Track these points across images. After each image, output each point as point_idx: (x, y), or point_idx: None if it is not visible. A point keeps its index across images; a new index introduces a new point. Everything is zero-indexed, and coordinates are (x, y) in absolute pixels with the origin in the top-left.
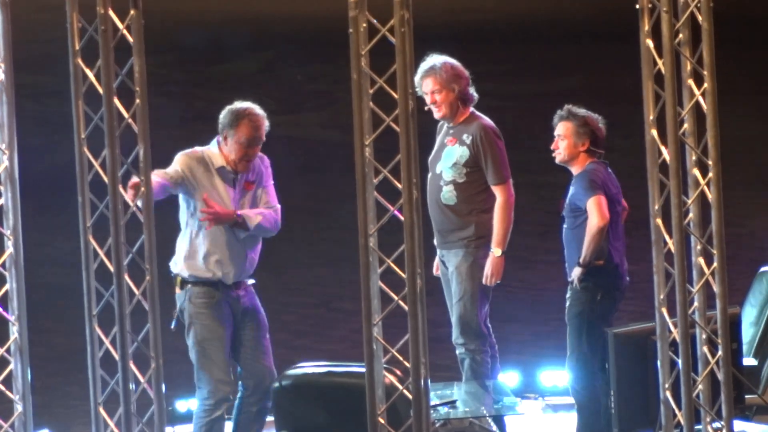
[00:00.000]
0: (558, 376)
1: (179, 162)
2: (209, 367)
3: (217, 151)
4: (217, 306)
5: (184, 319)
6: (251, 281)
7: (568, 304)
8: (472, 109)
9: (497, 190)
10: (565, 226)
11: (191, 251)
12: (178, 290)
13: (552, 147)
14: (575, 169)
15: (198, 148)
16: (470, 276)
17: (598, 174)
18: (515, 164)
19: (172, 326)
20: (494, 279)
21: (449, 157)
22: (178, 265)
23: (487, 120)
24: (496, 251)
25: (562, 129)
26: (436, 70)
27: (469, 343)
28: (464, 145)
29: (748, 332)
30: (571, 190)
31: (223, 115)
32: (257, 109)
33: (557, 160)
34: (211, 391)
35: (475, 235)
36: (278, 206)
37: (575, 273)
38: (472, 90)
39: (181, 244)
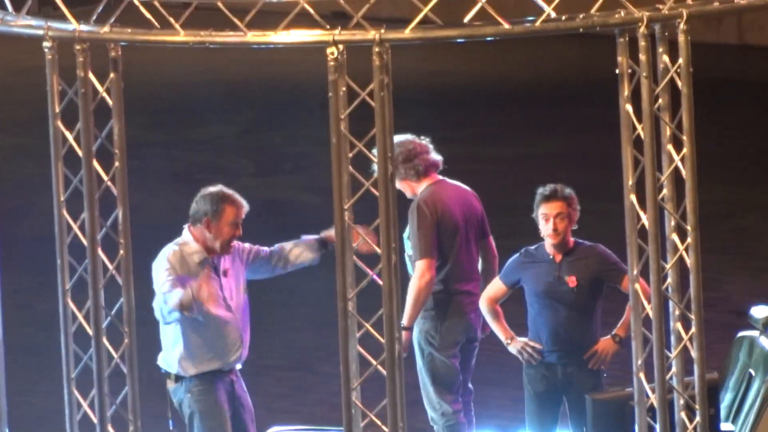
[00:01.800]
0: None
1: (173, 273)
2: None
3: (193, 243)
4: (216, 392)
5: (182, 413)
6: (239, 365)
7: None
8: (436, 178)
9: (416, 265)
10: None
11: (190, 348)
12: (171, 384)
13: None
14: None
15: (171, 249)
16: (418, 349)
17: None
18: (498, 228)
19: (171, 427)
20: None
21: (406, 231)
22: (172, 365)
23: (436, 192)
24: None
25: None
26: None
27: (431, 412)
28: None
29: (726, 397)
30: (595, 266)
31: (202, 203)
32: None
33: (556, 242)
34: None
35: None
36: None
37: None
38: (417, 159)
39: (173, 342)
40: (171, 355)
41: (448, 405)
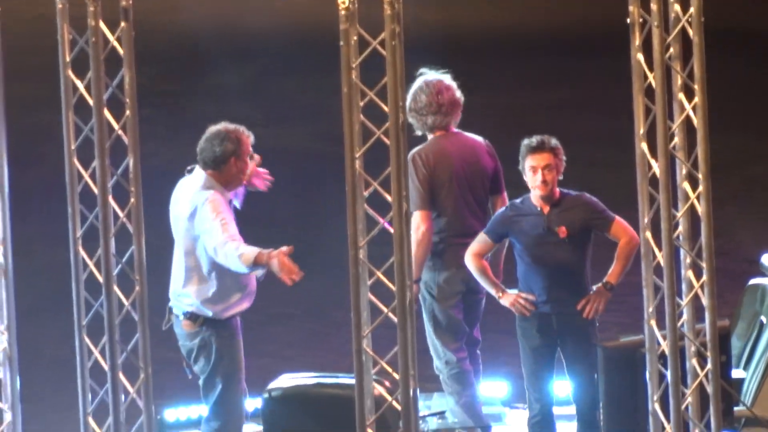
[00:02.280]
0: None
1: (226, 211)
2: (234, 402)
3: (219, 186)
4: (239, 335)
5: (200, 356)
6: None
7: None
8: (449, 132)
9: (411, 219)
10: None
11: (225, 291)
12: (192, 327)
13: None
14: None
15: (215, 196)
16: (421, 300)
17: None
18: (506, 178)
19: (190, 375)
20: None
21: None
22: (199, 307)
23: (437, 143)
24: None
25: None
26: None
27: (436, 361)
28: None
29: (737, 344)
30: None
31: (225, 143)
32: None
33: (544, 194)
34: (227, 427)
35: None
36: None
37: (603, 299)
38: (441, 117)
39: (203, 284)
40: (197, 298)
41: (451, 353)
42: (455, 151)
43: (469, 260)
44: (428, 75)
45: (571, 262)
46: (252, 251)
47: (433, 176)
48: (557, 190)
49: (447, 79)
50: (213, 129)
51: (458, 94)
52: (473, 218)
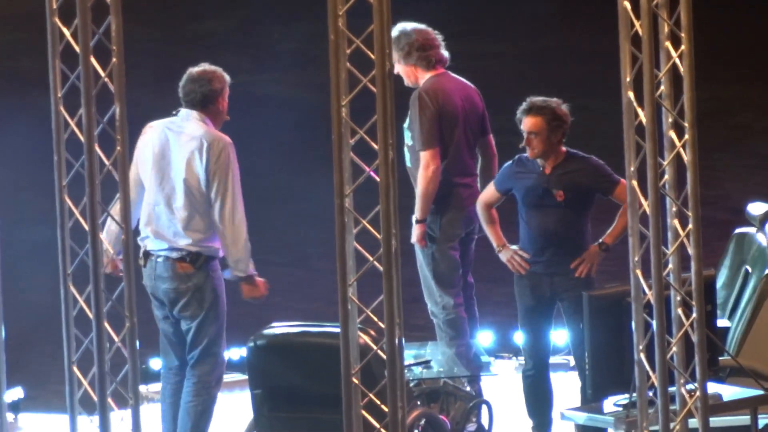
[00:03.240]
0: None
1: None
2: (221, 346)
3: (213, 126)
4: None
5: (192, 300)
6: None
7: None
8: (442, 70)
9: (420, 156)
10: (565, 212)
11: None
12: (189, 269)
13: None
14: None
15: (226, 140)
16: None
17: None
18: (493, 126)
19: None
20: (418, 244)
21: (406, 120)
22: (205, 245)
23: (438, 82)
24: (412, 219)
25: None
26: (394, 41)
27: (433, 307)
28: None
29: (722, 294)
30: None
31: (213, 82)
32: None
33: (533, 157)
34: (216, 372)
35: None
36: None
37: (597, 259)
38: (432, 50)
39: (207, 221)
40: (205, 234)
41: (450, 298)
42: (456, 90)
43: (479, 208)
44: (403, 24)
45: (568, 225)
46: (251, 266)
47: (441, 114)
48: (563, 149)
49: None
50: (195, 70)
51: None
52: (471, 158)
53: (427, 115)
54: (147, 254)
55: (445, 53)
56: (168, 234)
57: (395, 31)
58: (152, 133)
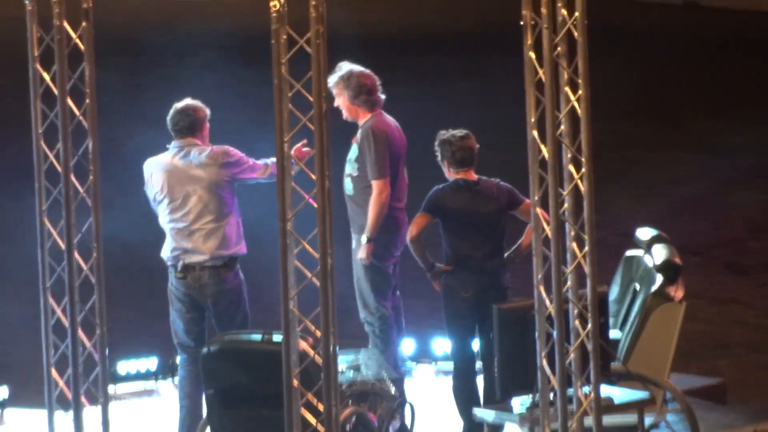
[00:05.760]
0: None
1: None
2: None
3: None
4: None
5: (225, 299)
6: None
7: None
8: (380, 111)
9: (373, 185)
10: None
11: (240, 233)
12: (227, 273)
13: None
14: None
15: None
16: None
17: None
18: (414, 159)
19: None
20: (365, 261)
21: (350, 153)
22: (235, 248)
23: (382, 121)
24: (362, 239)
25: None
26: (336, 78)
27: (368, 317)
28: (357, 143)
29: (614, 308)
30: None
31: (193, 112)
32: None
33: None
34: None
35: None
36: None
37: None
38: (375, 95)
39: (237, 226)
40: (231, 242)
41: (385, 309)
42: (394, 129)
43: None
44: (350, 65)
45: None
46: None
47: (389, 148)
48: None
49: None
50: (180, 104)
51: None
52: (403, 186)
53: (380, 148)
54: (186, 267)
55: (383, 96)
56: (204, 247)
57: (344, 70)
58: (161, 167)
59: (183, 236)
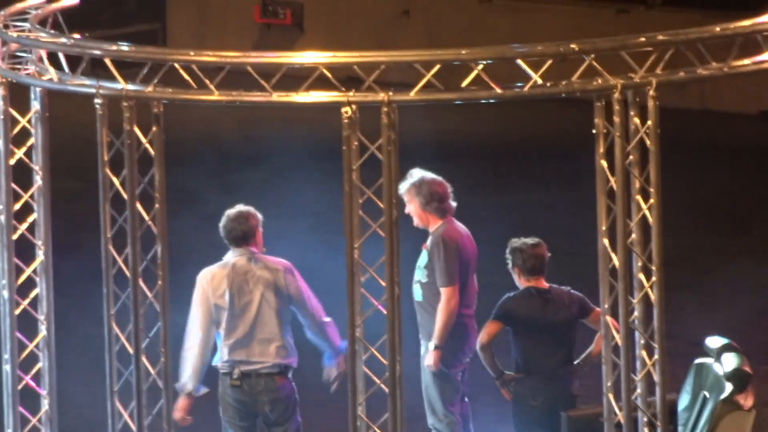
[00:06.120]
0: None
1: None
2: None
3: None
4: None
5: (282, 407)
6: None
7: None
8: (451, 218)
9: (441, 292)
10: None
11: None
12: (282, 380)
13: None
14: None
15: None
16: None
17: None
18: (484, 261)
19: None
20: (433, 368)
21: (420, 260)
22: (288, 357)
23: (452, 228)
24: (430, 345)
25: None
26: (407, 185)
27: (436, 423)
28: (427, 250)
29: (683, 416)
30: None
31: (250, 220)
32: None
33: None
34: None
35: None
36: None
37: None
38: (446, 202)
39: (285, 338)
40: (290, 349)
41: (453, 415)
42: (465, 237)
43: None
44: (421, 172)
45: None
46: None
47: (458, 255)
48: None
49: None
50: (232, 211)
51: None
52: (472, 293)
53: (450, 256)
54: (243, 375)
55: (454, 204)
56: (260, 355)
57: (416, 177)
58: (220, 277)
59: (241, 344)
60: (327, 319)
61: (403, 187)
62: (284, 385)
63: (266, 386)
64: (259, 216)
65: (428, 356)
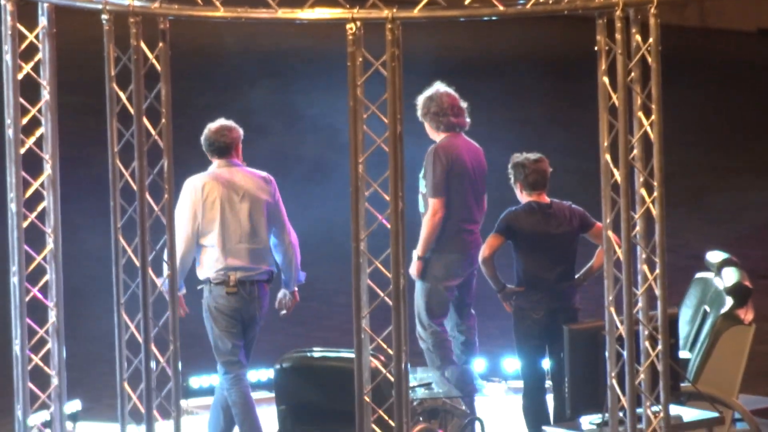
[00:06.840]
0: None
1: None
2: None
3: None
4: None
5: (258, 314)
6: None
7: None
8: (455, 133)
9: (429, 202)
10: None
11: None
12: (268, 285)
13: None
14: None
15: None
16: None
17: None
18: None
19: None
20: (415, 277)
21: (422, 171)
22: (272, 266)
23: (452, 142)
24: (414, 255)
25: None
26: (422, 97)
27: (422, 332)
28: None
29: (684, 329)
30: None
31: (234, 132)
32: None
33: None
34: None
35: None
36: None
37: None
38: (447, 117)
39: (269, 248)
40: (272, 261)
41: (437, 326)
42: (464, 150)
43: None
44: (440, 86)
45: None
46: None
47: (450, 169)
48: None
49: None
50: (215, 124)
51: (462, 103)
52: (477, 209)
53: (438, 169)
54: (239, 282)
55: (457, 119)
56: (253, 262)
57: (431, 91)
58: (209, 187)
59: (236, 251)
60: (295, 240)
61: (420, 100)
62: (268, 291)
63: (259, 292)
64: (240, 130)
65: (411, 265)
